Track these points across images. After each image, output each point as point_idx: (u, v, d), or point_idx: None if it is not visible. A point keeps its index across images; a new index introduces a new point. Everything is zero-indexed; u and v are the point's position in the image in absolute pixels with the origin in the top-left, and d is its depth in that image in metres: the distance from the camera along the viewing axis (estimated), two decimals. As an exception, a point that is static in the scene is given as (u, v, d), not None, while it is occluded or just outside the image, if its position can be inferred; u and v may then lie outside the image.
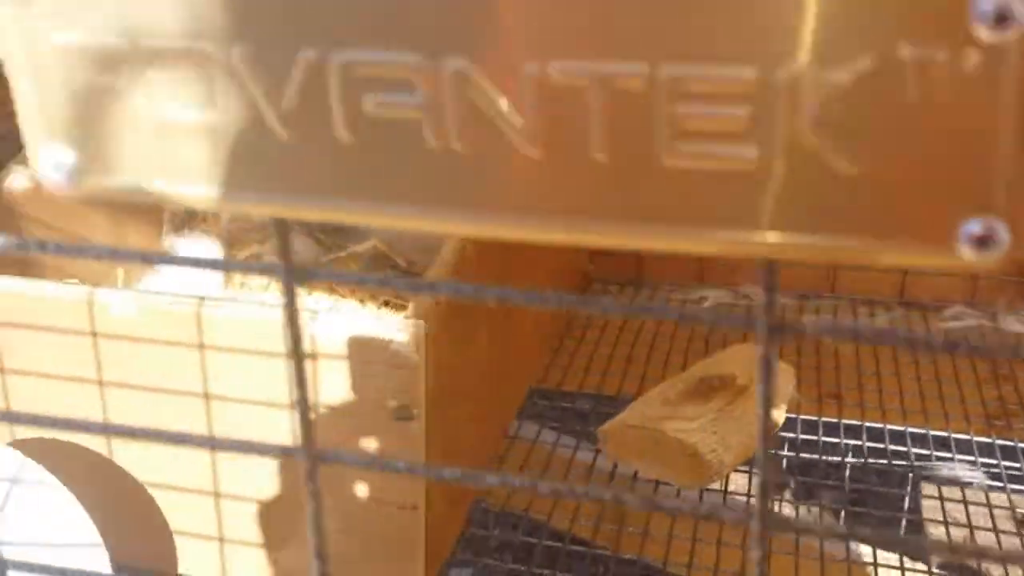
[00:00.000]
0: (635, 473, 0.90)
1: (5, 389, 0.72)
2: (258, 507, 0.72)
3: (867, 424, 0.98)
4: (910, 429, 0.95)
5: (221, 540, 0.74)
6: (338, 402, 0.68)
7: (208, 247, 1.02)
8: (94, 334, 0.70)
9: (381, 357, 0.67)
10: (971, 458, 0.93)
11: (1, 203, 0.81)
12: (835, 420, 0.99)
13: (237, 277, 1.03)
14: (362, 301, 1.02)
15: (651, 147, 0.21)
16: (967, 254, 0.20)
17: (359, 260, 1.06)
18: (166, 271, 1.01)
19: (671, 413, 0.87)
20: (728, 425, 0.87)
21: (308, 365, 0.68)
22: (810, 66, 0.20)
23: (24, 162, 0.84)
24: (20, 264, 0.83)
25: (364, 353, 0.67)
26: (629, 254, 1.24)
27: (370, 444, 0.69)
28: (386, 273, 1.05)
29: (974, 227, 0.20)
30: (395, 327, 0.66)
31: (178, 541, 0.74)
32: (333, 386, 0.68)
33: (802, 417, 0.98)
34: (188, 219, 1.04)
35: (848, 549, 0.88)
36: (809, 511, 1.08)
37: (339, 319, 0.67)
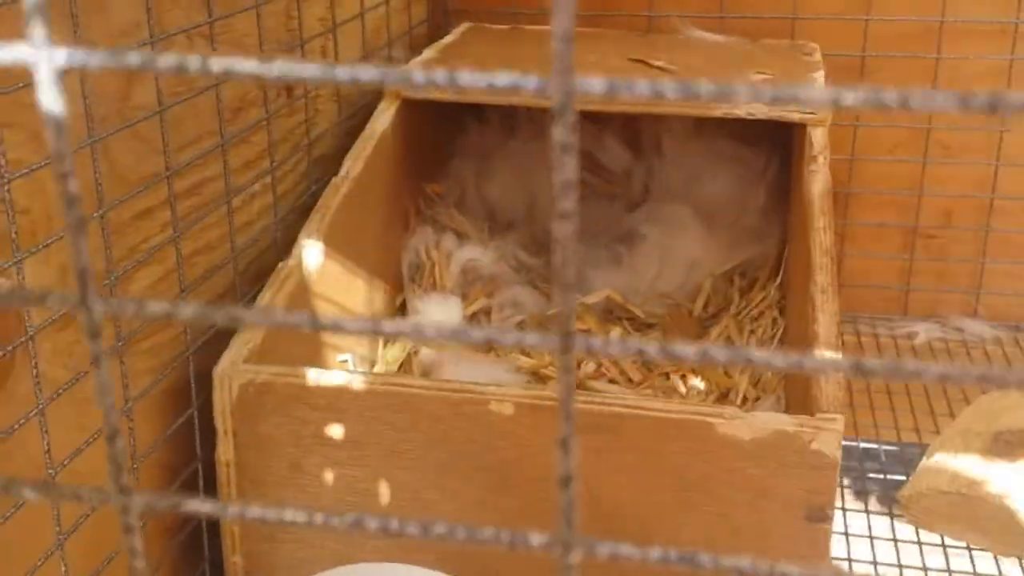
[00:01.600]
0: (943, 539, 0.86)
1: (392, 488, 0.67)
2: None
3: None
4: None
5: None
6: (749, 499, 0.64)
7: (446, 299, 0.97)
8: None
9: (798, 456, 0.62)
10: None
11: (301, 278, 0.76)
12: None
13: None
14: (624, 373, 0.96)
15: None
16: None
17: (591, 311, 1.01)
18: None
19: (983, 476, 0.84)
20: (1046, 487, 0.83)
21: (727, 457, 0.63)
22: None
23: (313, 235, 0.79)
24: (306, 345, 0.78)
25: (780, 451, 0.62)
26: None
27: (777, 544, 0.64)
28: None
29: None
30: (815, 423, 0.62)
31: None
32: (746, 482, 0.63)
33: None
34: (420, 274, 0.99)
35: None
36: None
37: (760, 416, 0.63)
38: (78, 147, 0.55)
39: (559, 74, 0.14)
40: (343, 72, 0.16)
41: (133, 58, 0.15)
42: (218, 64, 0.14)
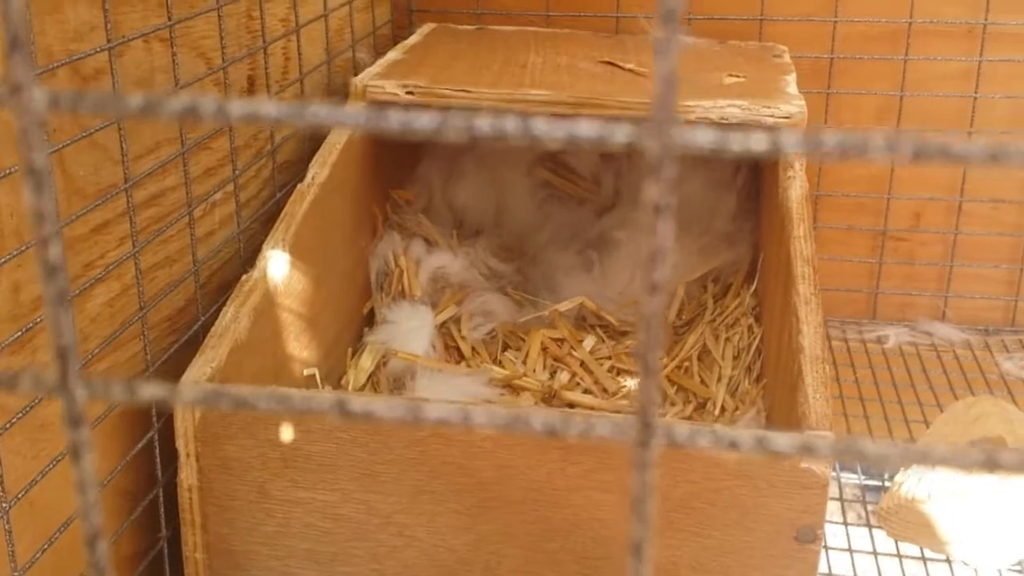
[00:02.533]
0: (922, 552, 0.85)
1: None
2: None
3: None
4: None
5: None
6: (736, 519, 0.62)
7: (415, 308, 0.94)
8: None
9: (788, 475, 0.60)
10: None
11: (266, 290, 0.73)
12: None
13: (457, 336, 0.95)
14: (584, 365, 0.95)
15: None
16: None
17: (564, 318, 0.99)
18: (380, 333, 0.93)
19: (962, 486, 0.83)
20: (1025, 497, 0.82)
21: (715, 483, 0.61)
22: None
23: (278, 245, 0.75)
24: (271, 359, 0.75)
25: (767, 470, 0.61)
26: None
27: (765, 566, 0.63)
28: (582, 333, 0.98)
29: None
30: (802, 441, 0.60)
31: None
32: (733, 502, 0.61)
33: None
34: (388, 282, 0.96)
35: None
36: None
37: (746, 434, 0.60)
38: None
39: (659, 123, 0.11)
40: (423, 119, 0.14)
41: (134, 101, 0.12)
42: (238, 108, 0.12)
